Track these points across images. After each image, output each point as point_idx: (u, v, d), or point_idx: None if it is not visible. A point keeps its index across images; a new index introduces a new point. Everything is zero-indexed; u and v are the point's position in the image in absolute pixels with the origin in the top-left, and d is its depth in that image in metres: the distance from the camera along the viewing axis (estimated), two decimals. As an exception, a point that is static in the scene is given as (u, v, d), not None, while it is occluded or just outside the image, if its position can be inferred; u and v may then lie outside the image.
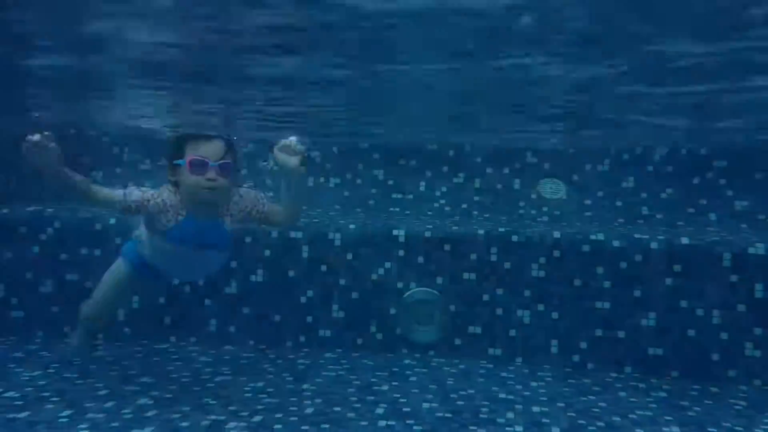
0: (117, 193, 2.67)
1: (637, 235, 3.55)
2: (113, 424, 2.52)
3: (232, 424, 2.57)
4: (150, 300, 3.74)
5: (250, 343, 3.74)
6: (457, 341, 3.64)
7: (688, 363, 3.39)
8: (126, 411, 2.66)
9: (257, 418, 2.64)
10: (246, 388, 3.00)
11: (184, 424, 2.55)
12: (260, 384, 3.07)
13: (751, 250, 3.36)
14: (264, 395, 2.92)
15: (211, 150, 2.65)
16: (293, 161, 2.49)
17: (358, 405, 2.84)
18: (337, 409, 2.79)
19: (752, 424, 2.78)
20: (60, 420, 2.55)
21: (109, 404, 2.73)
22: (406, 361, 3.54)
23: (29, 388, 2.90)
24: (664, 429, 2.68)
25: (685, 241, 3.45)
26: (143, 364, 3.31)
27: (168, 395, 2.87)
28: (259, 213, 2.84)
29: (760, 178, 4.11)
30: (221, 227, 2.80)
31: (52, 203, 3.95)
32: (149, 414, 2.63)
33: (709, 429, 2.70)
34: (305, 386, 3.06)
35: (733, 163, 4.20)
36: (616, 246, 3.50)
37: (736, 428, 2.73)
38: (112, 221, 3.75)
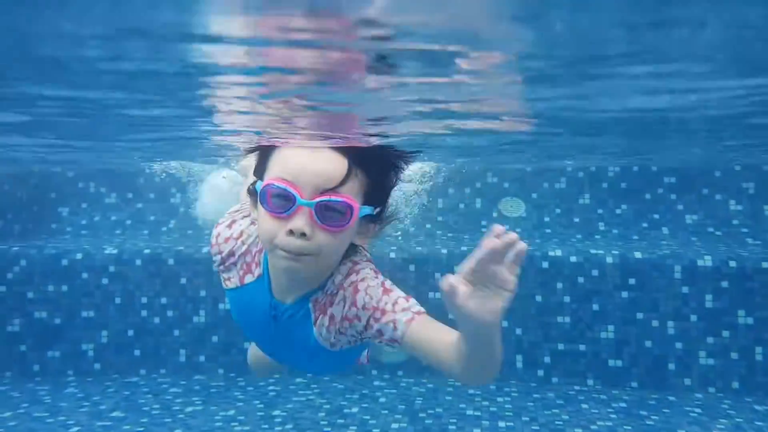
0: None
1: (593, 251, 3.70)
2: (83, 461, 2.54)
3: (203, 455, 2.61)
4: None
5: (220, 372, 3.76)
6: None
7: (647, 373, 3.52)
8: (96, 447, 2.68)
9: (228, 447, 2.69)
10: (216, 417, 3.04)
11: (155, 457, 2.58)
12: (231, 412, 3.11)
13: (699, 263, 3.52)
14: (235, 423, 2.96)
15: (311, 168, 1.36)
16: (505, 284, 1.19)
17: (328, 429, 2.90)
18: (308, 434, 2.85)
19: (706, 430, 2.92)
20: (29, 459, 2.56)
21: (79, 441, 2.75)
22: (376, 383, 3.61)
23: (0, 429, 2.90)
24: (623, 438, 2.80)
25: (638, 255, 3.61)
26: (114, 398, 3.32)
27: (139, 429, 2.89)
28: (387, 340, 1.48)
29: (707, 193, 4.31)
30: (309, 330, 1.52)
31: (17, 241, 3.94)
32: (120, 449, 2.66)
33: (665, 436, 2.83)
34: (276, 412, 3.11)
35: (682, 179, 4.40)
36: (574, 261, 3.64)
37: (690, 434, 2.86)
38: (79, 256, 3.76)
